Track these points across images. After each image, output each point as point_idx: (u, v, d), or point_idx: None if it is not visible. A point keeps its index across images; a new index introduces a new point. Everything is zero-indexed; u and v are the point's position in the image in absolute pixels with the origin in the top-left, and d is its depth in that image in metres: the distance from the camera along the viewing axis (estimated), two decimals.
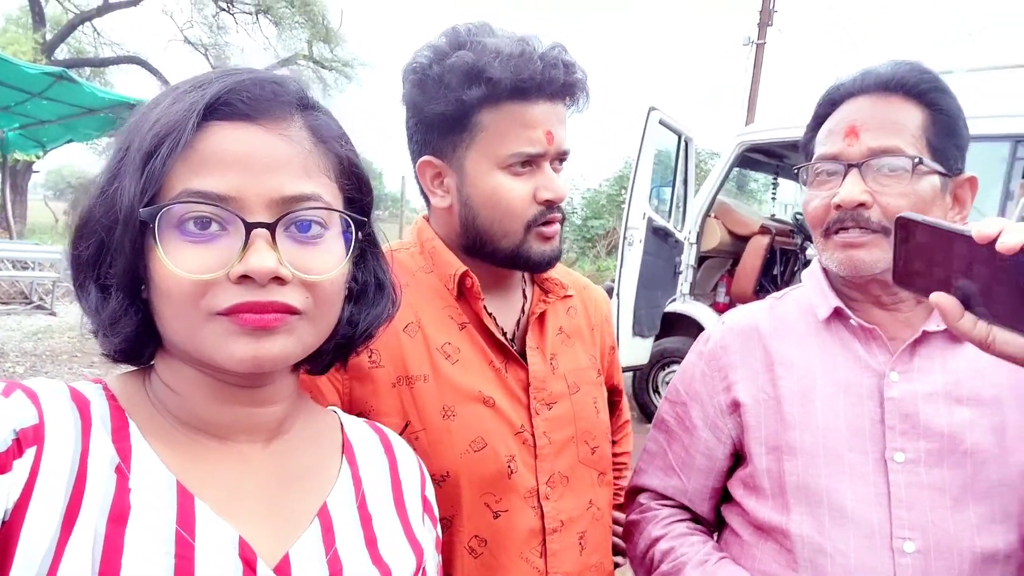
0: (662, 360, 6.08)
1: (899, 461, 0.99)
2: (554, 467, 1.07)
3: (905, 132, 1.00)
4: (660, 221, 5.79)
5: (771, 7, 14.05)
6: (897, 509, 0.98)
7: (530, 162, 1.01)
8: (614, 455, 1.35)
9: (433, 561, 0.82)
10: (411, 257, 1.10)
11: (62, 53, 16.84)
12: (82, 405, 0.62)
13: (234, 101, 0.63)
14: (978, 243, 0.69)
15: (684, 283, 6.20)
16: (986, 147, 4.61)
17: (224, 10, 17.81)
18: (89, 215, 0.64)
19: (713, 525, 1.22)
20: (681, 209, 6.32)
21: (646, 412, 6.03)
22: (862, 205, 1.00)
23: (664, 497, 1.23)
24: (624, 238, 5.57)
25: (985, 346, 0.73)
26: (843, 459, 1.01)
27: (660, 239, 5.79)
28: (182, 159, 0.60)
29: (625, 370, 5.82)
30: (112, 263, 0.63)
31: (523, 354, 1.09)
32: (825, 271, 1.13)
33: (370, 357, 0.99)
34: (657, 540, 1.17)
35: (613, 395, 1.42)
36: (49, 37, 15.73)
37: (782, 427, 1.06)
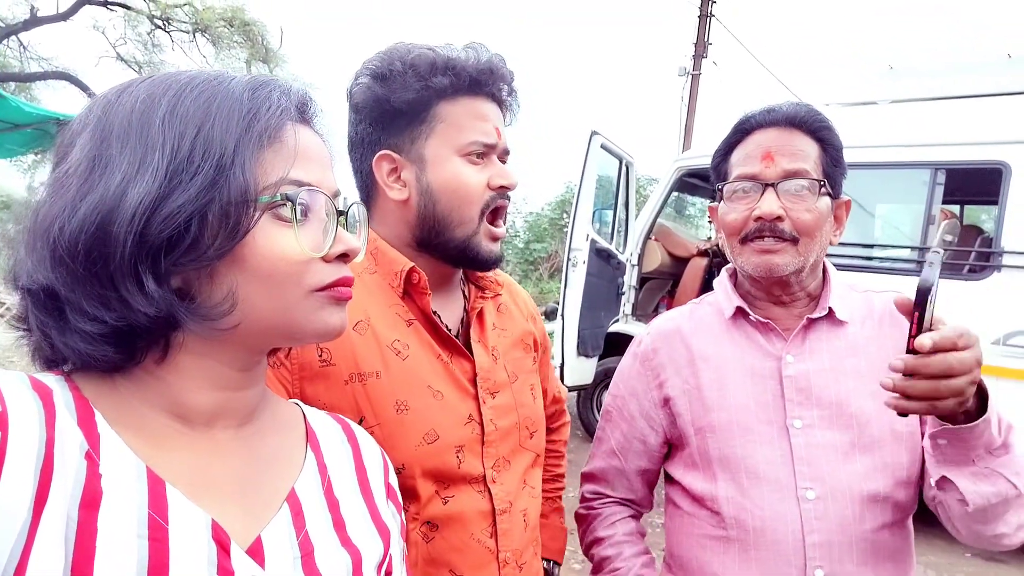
0: (606, 379, 6.14)
1: (798, 427, 1.19)
2: (499, 452, 1.12)
3: (809, 159, 1.20)
4: (603, 243, 5.89)
5: (706, 40, 14.53)
6: (799, 465, 1.17)
7: (484, 154, 1.09)
8: (552, 444, 1.49)
9: (399, 546, 0.84)
10: None
11: None
12: (44, 394, 0.61)
13: (304, 107, 0.72)
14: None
15: (626, 303, 6.32)
16: (908, 174, 4.86)
17: (159, 27, 17.41)
18: (169, 199, 0.62)
19: (647, 504, 1.43)
20: (622, 232, 6.44)
21: (590, 431, 6.07)
22: (779, 218, 1.18)
23: (607, 490, 1.41)
24: (568, 259, 5.64)
25: None
26: (753, 430, 1.20)
27: (603, 260, 5.89)
28: (274, 151, 0.67)
29: (570, 389, 5.86)
30: (196, 248, 0.63)
31: (467, 347, 1.15)
32: (732, 277, 1.35)
33: (320, 356, 1.02)
34: (599, 541, 1.38)
35: (552, 404, 1.46)
36: None
37: (703, 410, 1.25)
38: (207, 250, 0.63)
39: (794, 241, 1.18)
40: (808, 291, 1.25)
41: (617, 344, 6.10)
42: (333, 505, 0.76)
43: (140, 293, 0.62)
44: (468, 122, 1.07)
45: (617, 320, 6.25)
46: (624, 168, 6.26)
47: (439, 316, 1.13)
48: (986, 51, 5.53)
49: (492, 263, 1.13)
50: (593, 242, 5.67)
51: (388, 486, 0.86)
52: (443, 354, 1.10)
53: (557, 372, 5.68)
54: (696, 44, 14.57)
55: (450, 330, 1.13)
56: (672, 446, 1.34)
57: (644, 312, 6.67)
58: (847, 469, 1.16)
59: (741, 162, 1.24)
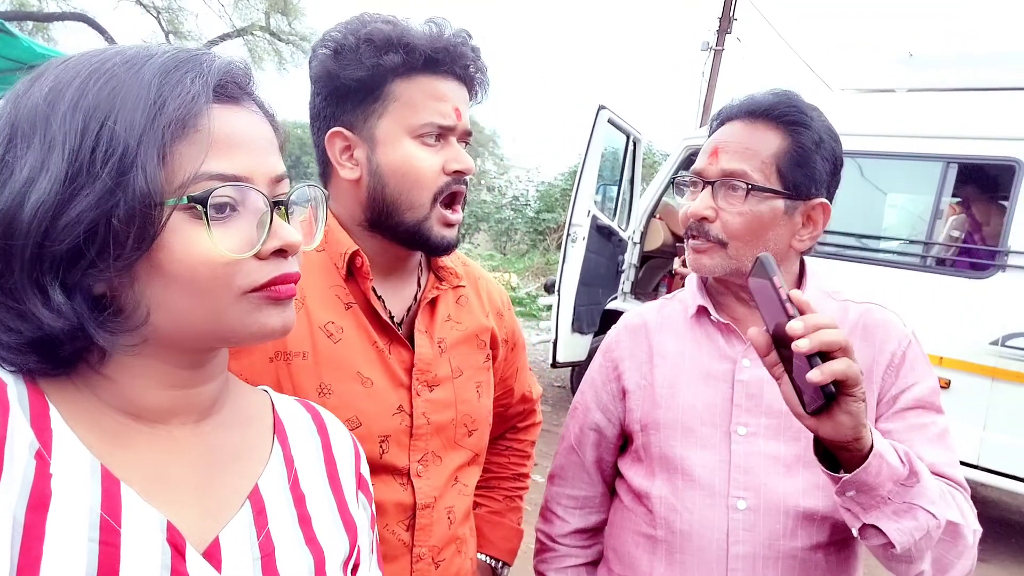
0: None
1: (741, 434, 1.16)
2: (428, 446, 1.10)
3: (756, 158, 1.13)
4: (604, 220, 5.83)
5: (731, 15, 14.19)
6: (735, 473, 1.14)
7: (440, 136, 1.04)
8: (518, 443, 1.48)
9: (368, 538, 0.82)
10: None
11: (3, 5, 16.08)
12: None
13: (228, 83, 0.65)
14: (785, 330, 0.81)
15: (626, 282, 6.27)
16: (919, 166, 4.75)
17: None
18: (69, 206, 0.57)
19: (605, 506, 1.39)
20: (626, 208, 6.36)
21: None
22: (705, 219, 1.15)
23: (567, 489, 1.39)
24: (568, 235, 5.59)
25: (776, 380, 0.89)
26: (696, 432, 1.18)
27: (604, 237, 5.84)
28: (188, 142, 0.60)
29: (563, 365, 5.86)
30: (106, 255, 0.58)
31: (411, 337, 1.11)
32: None
33: None
34: None
35: (520, 403, 1.44)
36: None
37: (651, 407, 1.23)
38: (116, 259, 0.58)
39: (720, 243, 1.15)
40: None
41: (613, 322, 6.05)
42: (299, 500, 0.73)
43: (45, 307, 0.58)
44: (423, 102, 1.02)
45: (615, 298, 6.21)
46: (631, 144, 6.16)
47: (384, 301, 1.10)
48: (1010, 42, 5.37)
49: (444, 249, 1.09)
50: (594, 218, 5.61)
51: (359, 476, 0.83)
52: (380, 341, 1.07)
53: (550, 348, 5.67)
54: (721, 19, 14.25)
55: (393, 317, 1.10)
56: (626, 440, 1.32)
57: (644, 291, 6.63)
58: (786, 483, 1.12)
59: (700, 155, 1.20)
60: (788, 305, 0.83)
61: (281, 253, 0.64)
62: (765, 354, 0.88)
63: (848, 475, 0.91)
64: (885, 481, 0.92)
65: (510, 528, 1.43)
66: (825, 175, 1.16)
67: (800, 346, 0.80)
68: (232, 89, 0.65)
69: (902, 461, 0.93)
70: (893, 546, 0.94)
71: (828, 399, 0.83)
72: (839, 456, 0.92)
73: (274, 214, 0.64)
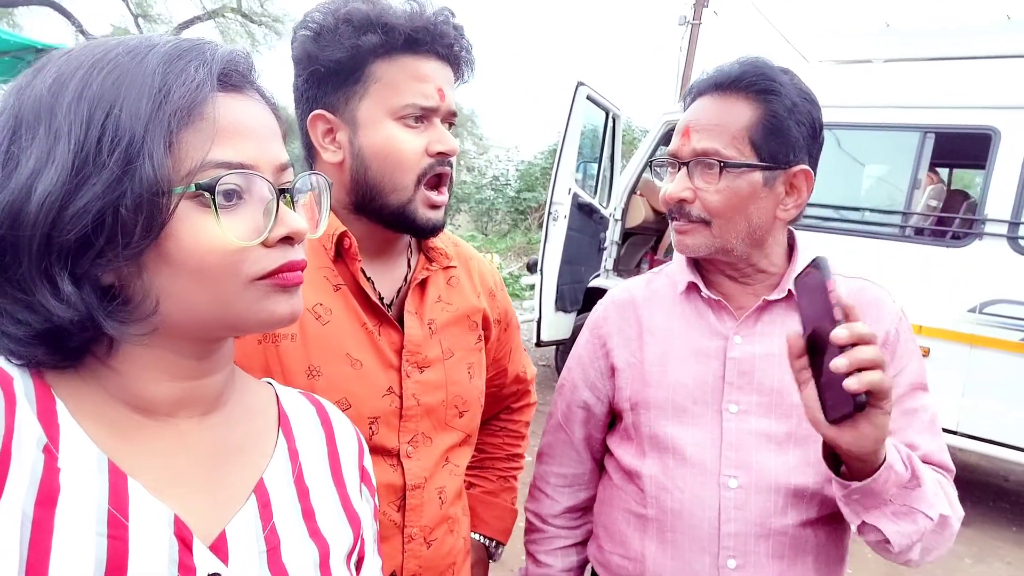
0: None
1: (733, 412, 1.15)
2: (418, 427, 1.09)
3: (726, 134, 1.10)
4: (585, 197, 5.82)
5: None
6: (727, 451, 1.14)
7: (423, 117, 1.02)
8: (512, 424, 1.48)
9: (371, 530, 0.84)
10: None
11: None
12: (4, 382, 0.59)
13: (231, 72, 0.65)
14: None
15: (608, 259, 6.29)
16: (896, 136, 4.77)
17: None
18: (76, 195, 0.57)
19: (594, 483, 1.38)
20: (607, 186, 6.36)
21: None
22: (684, 201, 1.13)
23: (555, 467, 1.38)
24: (549, 213, 5.57)
25: (799, 384, 0.91)
26: (687, 411, 1.17)
27: (585, 215, 5.83)
28: (194, 130, 0.60)
29: (547, 344, 5.86)
30: (114, 245, 0.58)
31: (400, 319, 1.10)
32: None
33: None
34: (537, 562, 1.39)
35: (514, 383, 1.43)
36: None
37: (642, 385, 1.22)
38: (124, 248, 0.58)
39: (706, 223, 1.13)
40: (760, 269, 1.18)
41: (597, 299, 6.07)
42: (303, 494, 0.74)
43: (55, 297, 0.58)
44: (405, 83, 1.00)
45: (598, 275, 6.22)
46: (611, 120, 6.14)
47: (373, 283, 1.09)
48: (986, 12, 5.38)
49: (429, 231, 1.08)
50: (575, 196, 5.59)
51: (362, 469, 0.84)
52: (369, 323, 1.06)
53: (534, 327, 5.67)
54: None
55: (383, 299, 1.09)
56: (615, 417, 1.31)
57: (626, 268, 6.65)
58: (777, 460, 1.12)
59: (674, 135, 1.18)
60: (836, 309, 0.83)
61: (288, 240, 0.65)
62: (797, 357, 0.89)
63: (857, 484, 0.92)
64: (890, 488, 0.93)
65: (504, 508, 1.44)
66: (803, 140, 1.13)
67: (839, 365, 0.81)
68: (235, 78, 0.65)
69: (905, 464, 0.95)
70: (890, 544, 0.97)
71: (858, 408, 0.83)
72: (849, 464, 0.93)
73: (280, 202, 0.64)
